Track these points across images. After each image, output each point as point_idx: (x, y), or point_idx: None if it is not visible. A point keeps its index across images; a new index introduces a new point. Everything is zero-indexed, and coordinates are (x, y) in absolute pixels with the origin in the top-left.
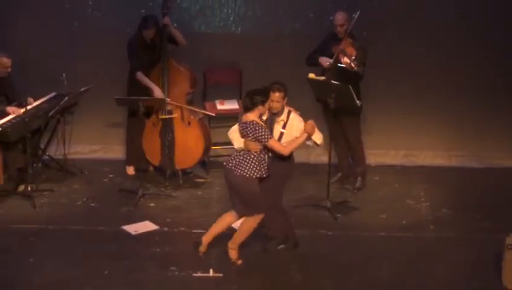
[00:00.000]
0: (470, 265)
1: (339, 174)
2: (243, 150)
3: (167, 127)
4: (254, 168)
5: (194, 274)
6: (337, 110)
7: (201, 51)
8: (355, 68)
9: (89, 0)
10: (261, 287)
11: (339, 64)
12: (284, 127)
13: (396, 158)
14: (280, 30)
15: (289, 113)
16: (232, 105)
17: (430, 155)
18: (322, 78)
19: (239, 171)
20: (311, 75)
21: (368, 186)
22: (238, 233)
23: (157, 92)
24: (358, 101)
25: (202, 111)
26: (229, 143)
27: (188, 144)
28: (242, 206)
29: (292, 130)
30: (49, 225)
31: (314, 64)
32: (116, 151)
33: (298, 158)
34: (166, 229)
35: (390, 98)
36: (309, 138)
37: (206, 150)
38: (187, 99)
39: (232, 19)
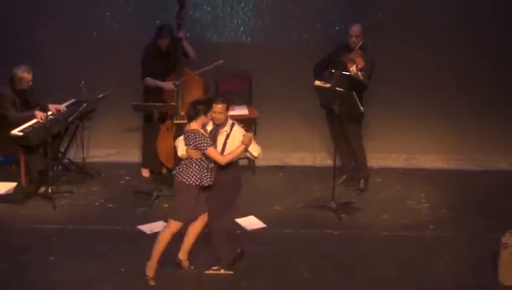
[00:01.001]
0: (468, 263)
1: (344, 176)
2: (187, 157)
3: (180, 131)
4: (194, 176)
5: (206, 271)
6: (339, 117)
7: (213, 59)
8: (361, 78)
9: (106, 11)
10: (270, 284)
11: (343, 72)
12: (227, 138)
13: (398, 161)
14: (288, 40)
15: (232, 125)
16: (242, 111)
17: (430, 159)
18: (328, 85)
19: (180, 177)
20: (318, 83)
21: (371, 188)
22: (185, 241)
23: (168, 86)
24: (361, 108)
25: (210, 66)
26: None
27: None
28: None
29: (235, 141)
30: (69, 225)
31: (321, 75)
32: (132, 155)
33: (305, 162)
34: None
35: (392, 104)
36: (246, 149)
37: None
38: None
39: (242, 29)
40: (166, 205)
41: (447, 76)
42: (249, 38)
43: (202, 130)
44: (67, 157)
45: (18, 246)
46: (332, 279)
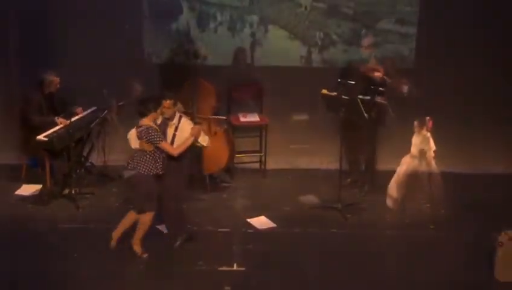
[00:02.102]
0: (466, 260)
1: (348, 179)
2: (139, 150)
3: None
4: (149, 166)
5: (219, 268)
6: (353, 122)
7: (226, 69)
8: (389, 80)
9: (126, 24)
10: (278, 281)
11: (364, 97)
12: (175, 130)
13: None
14: (297, 49)
15: (180, 117)
16: (253, 117)
17: None
18: (334, 93)
19: (137, 169)
20: (324, 91)
21: (375, 189)
22: (137, 229)
23: None
24: (365, 114)
25: (219, 117)
26: (252, 151)
27: (215, 152)
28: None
29: (183, 132)
30: (91, 225)
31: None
32: None
33: (313, 165)
34: (195, 228)
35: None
36: (196, 140)
37: (231, 157)
38: (213, 112)
39: (252, 39)
40: (184, 206)
41: (446, 82)
42: (260, 48)
43: (154, 126)
44: (90, 161)
45: (44, 244)
46: (338, 277)
